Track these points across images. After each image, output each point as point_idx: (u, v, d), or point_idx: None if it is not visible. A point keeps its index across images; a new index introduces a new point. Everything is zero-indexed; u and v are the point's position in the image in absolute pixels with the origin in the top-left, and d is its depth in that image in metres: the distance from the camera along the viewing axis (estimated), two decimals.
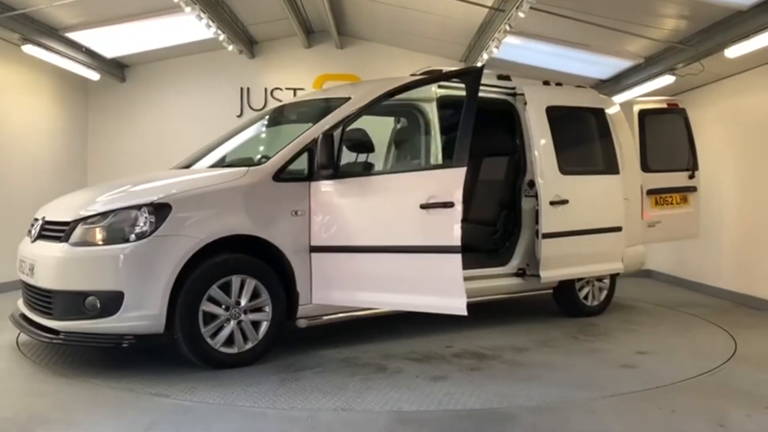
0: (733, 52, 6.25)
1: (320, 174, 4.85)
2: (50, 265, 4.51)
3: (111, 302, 4.24)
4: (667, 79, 7.50)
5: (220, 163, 5.56)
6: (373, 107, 5.16)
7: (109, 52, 8.99)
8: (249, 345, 4.64)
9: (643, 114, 7.22)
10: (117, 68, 9.65)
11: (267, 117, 6.32)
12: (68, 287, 4.40)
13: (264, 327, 4.70)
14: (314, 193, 4.90)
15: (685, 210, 7.24)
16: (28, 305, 4.87)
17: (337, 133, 4.93)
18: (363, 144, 5.31)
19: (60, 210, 4.83)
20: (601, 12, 6.58)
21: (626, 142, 6.83)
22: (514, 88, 6.30)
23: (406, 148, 6.51)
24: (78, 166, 9.59)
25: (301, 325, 4.95)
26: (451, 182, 4.46)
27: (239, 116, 9.64)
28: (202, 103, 9.78)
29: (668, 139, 7.32)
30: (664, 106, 7.39)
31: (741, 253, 7.75)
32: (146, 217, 4.34)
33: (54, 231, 4.63)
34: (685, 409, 3.88)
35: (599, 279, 6.69)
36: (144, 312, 4.27)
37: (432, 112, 5.72)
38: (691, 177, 7.24)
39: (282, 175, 4.83)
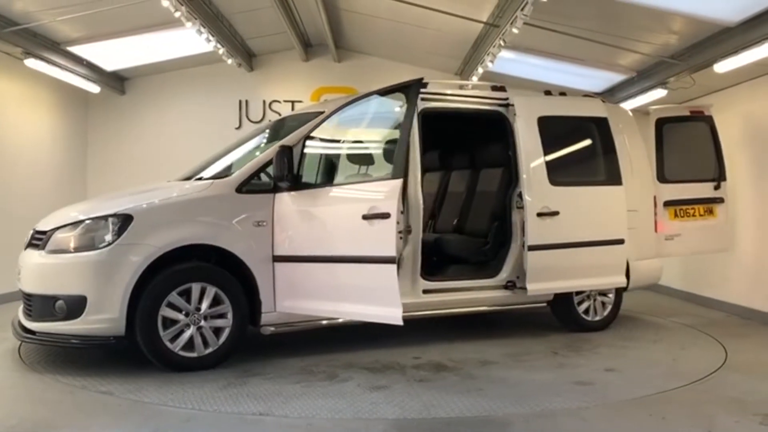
0: (722, 66, 6.38)
1: (277, 186, 5.07)
2: (30, 270, 4.92)
3: (76, 306, 4.58)
4: (659, 93, 7.62)
5: (219, 175, 5.65)
6: (330, 122, 5.36)
7: (109, 65, 9.11)
8: (209, 350, 4.85)
9: (662, 122, 6.97)
10: (117, 81, 9.76)
11: (268, 129, 6.44)
12: (42, 291, 4.78)
13: (225, 333, 4.90)
14: (277, 204, 5.10)
15: (711, 222, 6.94)
16: (23, 310, 5.15)
17: (300, 146, 5.18)
18: (362, 156, 5.47)
19: (48, 220, 5.17)
20: (593, 27, 6.71)
21: (637, 152, 6.68)
22: (506, 99, 6.18)
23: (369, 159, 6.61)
24: (77, 178, 9.67)
25: (266, 333, 5.12)
26: (388, 193, 4.62)
27: (238, 128, 9.75)
28: (201, 116, 9.88)
29: (691, 148, 7.03)
30: (686, 113, 7.11)
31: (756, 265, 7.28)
32: (111, 227, 4.66)
33: (38, 239, 4.99)
34: (675, 416, 3.97)
35: (602, 293, 6.46)
36: (105, 315, 4.58)
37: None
38: (717, 188, 6.95)
39: (246, 187, 5.06)
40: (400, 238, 4.81)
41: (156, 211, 4.87)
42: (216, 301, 4.87)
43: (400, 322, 4.53)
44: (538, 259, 5.84)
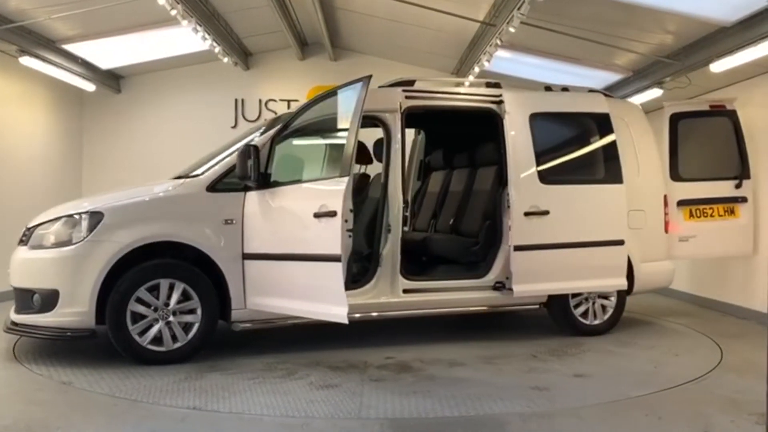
0: (718, 66, 6.39)
1: (248, 185, 5.15)
2: (15, 265, 5.19)
3: (49, 299, 4.81)
4: (654, 92, 7.64)
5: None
6: (298, 124, 5.36)
7: (104, 63, 9.09)
8: (177, 344, 4.98)
9: (677, 117, 6.63)
10: (112, 79, 9.73)
11: (264, 127, 6.42)
12: (22, 285, 5.06)
13: (194, 328, 5.02)
14: (247, 203, 5.19)
15: (731, 223, 6.58)
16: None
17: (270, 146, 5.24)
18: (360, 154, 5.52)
19: (37, 218, 5.33)
20: (589, 27, 6.71)
21: (646, 149, 6.44)
22: (499, 96, 6.03)
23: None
24: (73, 176, 9.64)
25: (236, 329, 5.22)
26: (335, 192, 4.62)
27: (234, 127, 9.74)
28: (197, 115, 9.87)
29: (710, 144, 6.71)
30: (706, 108, 6.75)
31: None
32: (83, 225, 4.88)
33: (25, 236, 5.24)
34: (671, 416, 3.98)
35: (603, 296, 6.22)
36: (76, 309, 4.79)
37: (393, 121, 5.70)
38: (738, 186, 6.61)
39: (218, 186, 5.18)
40: (349, 236, 4.80)
41: (125, 209, 5.04)
42: (186, 297, 5.00)
43: (345, 321, 4.53)
44: (524, 259, 5.70)
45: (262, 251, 5.09)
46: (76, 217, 4.95)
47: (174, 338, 4.97)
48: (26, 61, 7.48)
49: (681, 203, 6.59)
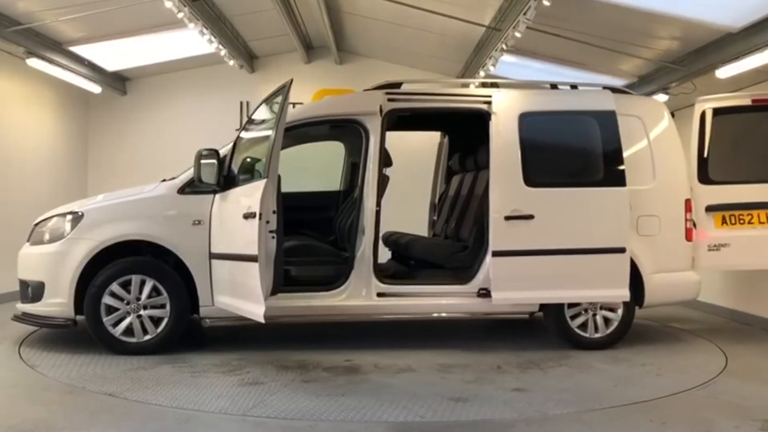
0: (723, 72, 6.40)
1: (211, 187, 5.37)
2: (18, 259, 5.65)
3: (38, 290, 5.34)
4: (660, 98, 7.62)
5: None
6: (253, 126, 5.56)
7: (110, 65, 9.13)
8: (148, 337, 5.31)
9: (710, 114, 6.04)
10: (118, 81, 9.77)
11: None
12: (21, 277, 5.58)
13: (164, 322, 5.33)
14: (214, 204, 5.43)
15: None
16: None
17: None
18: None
19: (42, 215, 5.75)
20: (595, 32, 6.72)
21: (664, 150, 5.90)
22: (489, 96, 5.79)
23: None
24: (78, 177, 9.68)
25: (205, 325, 5.54)
26: (257, 193, 4.73)
27: (238, 130, 9.72)
28: (202, 117, 9.89)
29: (750, 143, 6.13)
30: (748, 103, 6.08)
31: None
32: (67, 224, 5.37)
33: (31, 233, 5.71)
34: (675, 422, 3.98)
35: (607, 307, 5.76)
36: (58, 300, 5.26)
37: (373, 124, 5.71)
38: None
39: (189, 188, 5.44)
40: (273, 237, 4.82)
41: (102, 210, 5.55)
42: (157, 293, 5.32)
43: (262, 320, 4.65)
44: (504, 266, 5.49)
45: (219, 251, 5.30)
46: (62, 217, 5.45)
47: (145, 331, 5.29)
48: (33, 62, 7.52)
49: (710, 209, 5.99)
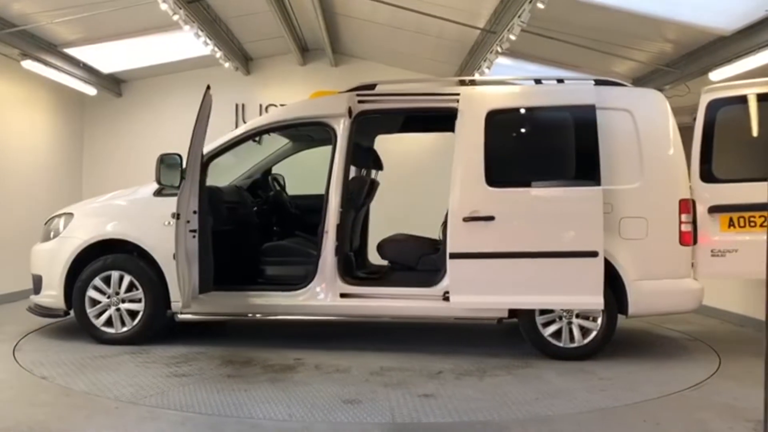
0: (716, 75, 6.44)
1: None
2: (30, 255, 6.16)
3: (38, 283, 5.94)
4: None
5: None
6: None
7: (106, 67, 9.12)
8: (125, 328, 5.72)
9: (717, 105, 5.43)
10: (113, 83, 9.76)
11: None
12: (31, 271, 6.08)
13: (139, 316, 5.72)
14: None
15: None
16: None
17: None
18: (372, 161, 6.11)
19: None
20: (589, 35, 6.76)
21: (657, 145, 5.45)
22: (458, 95, 5.62)
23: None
24: (73, 179, 9.66)
25: (177, 320, 5.79)
26: (179, 195, 5.22)
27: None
28: None
29: (763, 137, 5.44)
30: (766, 91, 5.36)
31: None
32: (61, 223, 5.93)
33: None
34: (669, 422, 4.00)
35: (582, 315, 5.40)
36: (52, 292, 5.80)
37: (341, 126, 5.74)
38: None
39: (163, 191, 5.67)
40: (193, 237, 5.28)
41: (89, 210, 6.09)
42: (136, 288, 5.71)
43: (185, 314, 5.46)
44: (462, 268, 5.33)
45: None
46: (60, 216, 5.99)
47: (123, 323, 5.71)
48: (28, 64, 7.51)
49: (715, 209, 5.42)
